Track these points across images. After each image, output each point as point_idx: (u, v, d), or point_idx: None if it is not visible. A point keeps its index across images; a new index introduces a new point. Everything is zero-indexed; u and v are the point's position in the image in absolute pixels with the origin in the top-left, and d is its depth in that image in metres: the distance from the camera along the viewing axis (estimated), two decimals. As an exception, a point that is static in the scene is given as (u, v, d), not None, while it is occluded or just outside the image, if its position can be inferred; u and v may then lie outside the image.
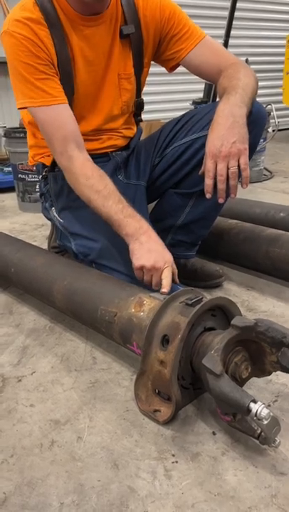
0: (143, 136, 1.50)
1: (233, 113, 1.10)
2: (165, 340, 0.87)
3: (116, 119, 1.32)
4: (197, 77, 1.38)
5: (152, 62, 1.37)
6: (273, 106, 3.33)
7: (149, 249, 1.07)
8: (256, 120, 1.23)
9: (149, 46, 1.30)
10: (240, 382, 0.87)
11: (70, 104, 1.19)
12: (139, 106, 1.39)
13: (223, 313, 0.95)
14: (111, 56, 1.25)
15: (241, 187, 1.13)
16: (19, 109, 1.20)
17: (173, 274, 1.09)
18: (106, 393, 0.99)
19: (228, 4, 2.82)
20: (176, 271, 1.11)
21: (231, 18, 2.83)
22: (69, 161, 1.15)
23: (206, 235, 1.48)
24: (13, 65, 1.13)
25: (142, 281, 1.10)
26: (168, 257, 1.09)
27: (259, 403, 0.75)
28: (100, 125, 1.31)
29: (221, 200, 1.13)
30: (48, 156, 1.34)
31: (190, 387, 0.93)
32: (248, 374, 0.87)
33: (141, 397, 0.93)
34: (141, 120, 1.44)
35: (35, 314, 1.34)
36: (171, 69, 1.36)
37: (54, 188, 1.33)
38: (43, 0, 1.13)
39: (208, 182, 1.10)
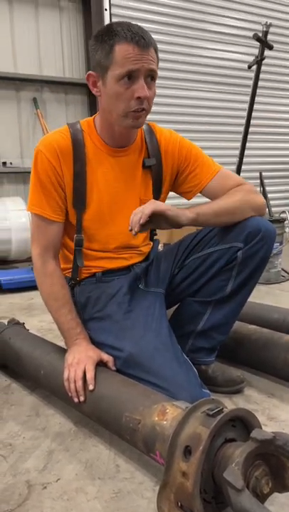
0: (163, 238, 1.65)
1: None
2: (187, 451, 0.90)
3: (134, 237, 1.47)
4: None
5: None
6: (287, 210, 3.57)
7: (76, 353, 1.29)
8: (265, 237, 1.38)
9: (168, 177, 1.51)
10: (262, 497, 0.87)
11: (82, 220, 1.41)
12: None
13: (243, 423, 0.99)
14: (133, 182, 1.46)
15: None
16: (28, 210, 1.42)
17: (107, 362, 1.29)
18: (129, 505, 1.00)
19: (243, 121, 3.19)
20: (110, 359, 1.30)
21: (246, 131, 3.19)
22: (44, 264, 1.40)
23: (225, 340, 1.54)
24: (33, 176, 1.39)
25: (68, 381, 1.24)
26: (91, 353, 1.28)
27: (280, 522, 0.76)
28: (120, 243, 1.47)
29: None
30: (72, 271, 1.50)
31: (212, 502, 0.94)
32: (269, 489, 0.88)
33: (164, 511, 0.94)
34: (155, 235, 1.61)
35: (61, 417, 1.38)
36: (190, 198, 1.55)
37: (80, 301, 1.46)
38: (77, 131, 1.39)
39: None
